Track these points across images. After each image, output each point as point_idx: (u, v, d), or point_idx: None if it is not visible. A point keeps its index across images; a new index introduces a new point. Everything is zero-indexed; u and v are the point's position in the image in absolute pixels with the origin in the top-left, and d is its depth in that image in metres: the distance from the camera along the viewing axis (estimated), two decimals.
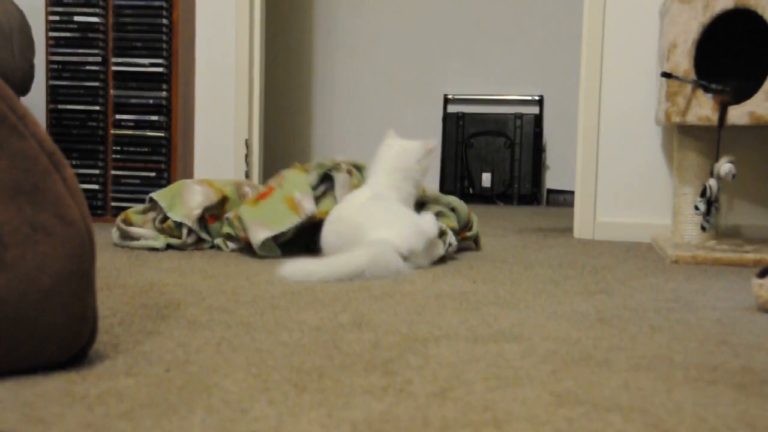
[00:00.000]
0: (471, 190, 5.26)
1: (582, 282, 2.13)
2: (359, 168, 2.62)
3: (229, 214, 2.57)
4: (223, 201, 2.64)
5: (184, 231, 2.57)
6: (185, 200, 2.60)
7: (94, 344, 1.22)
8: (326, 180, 2.56)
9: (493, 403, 1.07)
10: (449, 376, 1.19)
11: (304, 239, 2.49)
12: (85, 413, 0.99)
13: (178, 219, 2.56)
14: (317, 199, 2.49)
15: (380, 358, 1.28)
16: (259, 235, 2.38)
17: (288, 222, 2.40)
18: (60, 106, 3.45)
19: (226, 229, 2.56)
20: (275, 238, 2.41)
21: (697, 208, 2.75)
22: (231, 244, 2.57)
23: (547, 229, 3.60)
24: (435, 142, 2.45)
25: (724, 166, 2.72)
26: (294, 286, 1.93)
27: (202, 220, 2.60)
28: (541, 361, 1.29)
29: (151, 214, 2.65)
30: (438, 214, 2.52)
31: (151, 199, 2.65)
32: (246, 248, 2.51)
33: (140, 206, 2.73)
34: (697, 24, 2.76)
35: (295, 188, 2.47)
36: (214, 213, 2.62)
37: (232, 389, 1.10)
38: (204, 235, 2.60)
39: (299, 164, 2.66)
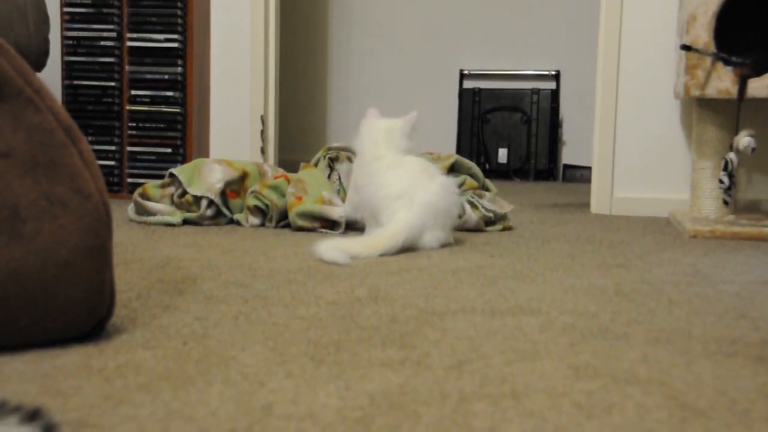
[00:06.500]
0: (487, 166, 5.23)
1: (599, 256, 2.11)
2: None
3: (255, 187, 2.58)
4: (244, 177, 2.65)
5: (203, 203, 2.58)
6: (204, 177, 2.60)
7: (111, 318, 1.23)
8: (332, 167, 2.68)
9: (510, 375, 1.06)
10: (467, 350, 1.18)
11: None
12: (104, 385, 0.99)
13: (199, 193, 2.56)
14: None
15: (397, 332, 1.28)
16: (336, 210, 2.43)
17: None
18: (75, 82, 3.45)
19: (253, 202, 2.56)
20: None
21: (721, 181, 2.73)
22: (252, 219, 2.57)
23: (563, 205, 3.59)
24: (415, 113, 2.41)
25: (744, 140, 2.69)
26: (310, 261, 1.93)
27: (223, 195, 2.60)
28: (558, 334, 1.29)
29: (170, 189, 2.65)
30: (463, 183, 2.64)
31: (171, 174, 2.66)
32: (273, 223, 2.56)
33: (159, 181, 2.73)
34: None
35: (321, 188, 2.53)
36: (234, 188, 2.63)
37: (249, 362, 1.10)
38: (224, 210, 2.60)
39: (306, 163, 2.73)
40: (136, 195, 2.66)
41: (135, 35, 3.43)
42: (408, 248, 2.09)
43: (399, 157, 2.25)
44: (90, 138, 3.43)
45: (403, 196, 2.12)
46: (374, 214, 2.20)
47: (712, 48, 2.74)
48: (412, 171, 2.19)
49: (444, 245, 2.20)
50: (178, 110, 3.44)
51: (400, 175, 2.18)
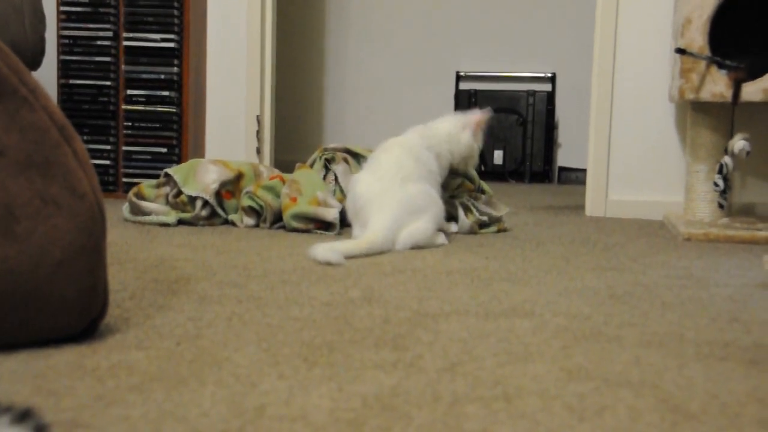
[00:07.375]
0: (483, 168, 5.23)
1: (593, 259, 2.12)
2: (354, 154, 2.71)
3: (250, 188, 2.58)
4: (239, 177, 2.65)
5: (198, 204, 2.58)
6: (199, 177, 2.60)
7: (105, 318, 1.23)
8: (328, 168, 2.68)
9: (503, 378, 1.06)
10: (459, 352, 1.19)
11: None
12: (96, 385, 0.99)
13: (194, 194, 2.56)
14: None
15: (390, 334, 1.28)
16: (331, 212, 2.44)
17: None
18: (71, 81, 3.44)
19: (247, 202, 2.56)
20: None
21: (716, 184, 2.74)
22: (247, 220, 2.57)
23: (558, 207, 3.59)
24: (481, 115, 2.56)
25: (738, 143, 2.70)
26: (305, 262, 1.93)
27: (218, 195, 2.60)
28: (551, 336, 1.29)
29: (165, 189, 2.65)
30: (460, 186, 2.64)
31: (166, 174, 2.66)
32: (268, 224, 2.56)
33: (154, 180, 2.73)
34: (712, 0, 2.73)
35: (315, 189, 2.53)
36: (229, 189, 2.63)
37: (242, 363, 1.10)
38: (219, 211, 2.60)
39: (301, 164, 2.74)
40: (131, 195, 2.66)
41: (131, 35, 3.43)
42: (392, 247, 2.14)
43: (392, 154, 2.34)
44: (85, 137, 3.43)
45: (374, 203, 2.21)
46: (356, 221, 2.29)
47: (707, 51, 2.74)
48: (387, 174, 2.26)
49: (440, 244, 2.23)
50: (174, 110, 3.43)
51: (373, 184, 2.27)
